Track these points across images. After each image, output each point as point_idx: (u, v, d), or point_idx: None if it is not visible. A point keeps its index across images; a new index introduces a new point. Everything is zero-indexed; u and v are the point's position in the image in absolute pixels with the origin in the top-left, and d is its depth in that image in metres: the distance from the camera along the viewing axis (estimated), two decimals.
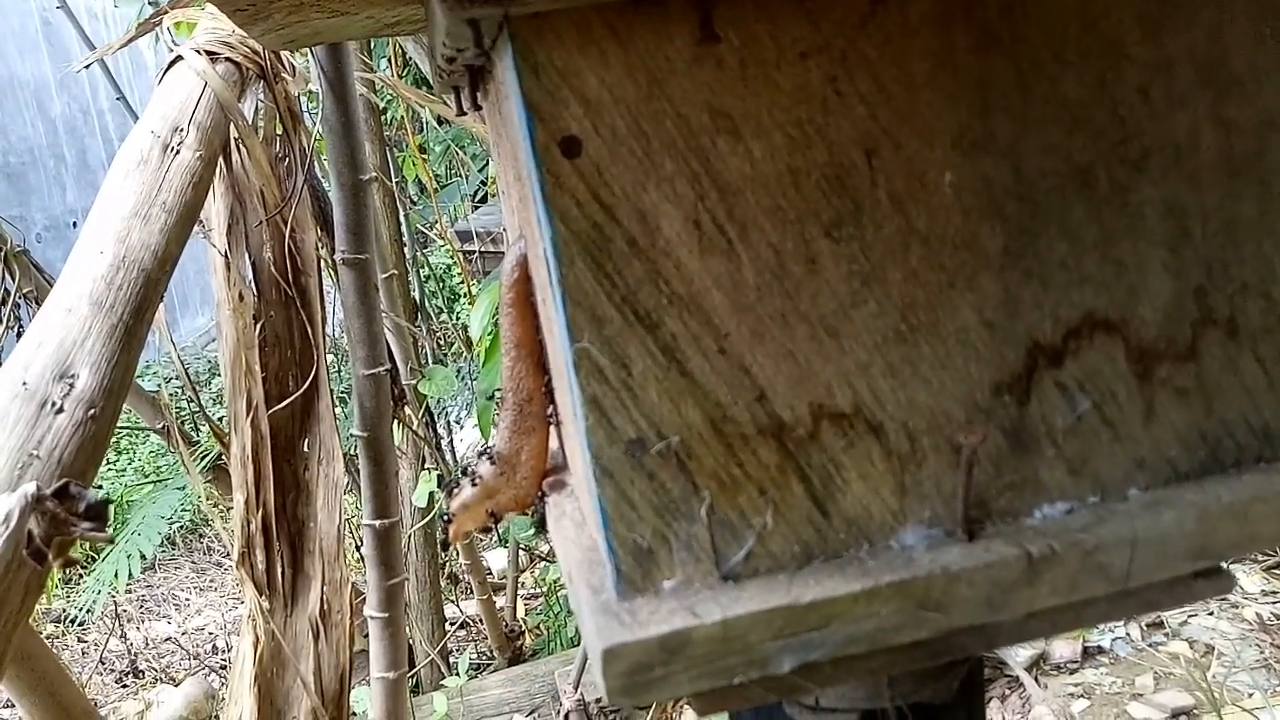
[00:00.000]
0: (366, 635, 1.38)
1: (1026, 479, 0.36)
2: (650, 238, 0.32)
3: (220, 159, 0.85)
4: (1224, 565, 0.37)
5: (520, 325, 0.45)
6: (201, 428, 2.87)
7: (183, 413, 3.26)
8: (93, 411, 0.49)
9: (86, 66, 1.09)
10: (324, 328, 1.02)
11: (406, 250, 2.25)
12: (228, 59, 0.86)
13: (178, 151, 0.72)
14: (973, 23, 0.32)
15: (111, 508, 0.39)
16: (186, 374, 1.14)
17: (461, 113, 0.54)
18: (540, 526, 0.48)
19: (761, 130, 0.32)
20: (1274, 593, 1.90)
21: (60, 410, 0.48)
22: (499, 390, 0.48)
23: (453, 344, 3.06)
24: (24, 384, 0.49)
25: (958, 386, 0.35)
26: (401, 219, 2.15)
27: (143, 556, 2.47)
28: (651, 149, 0.32)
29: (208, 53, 0.84)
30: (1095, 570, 0.35)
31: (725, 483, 0.34)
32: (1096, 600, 0.36)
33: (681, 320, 0.33)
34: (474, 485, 0.48)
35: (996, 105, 0.33)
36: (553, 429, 0.47)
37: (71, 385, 0.49)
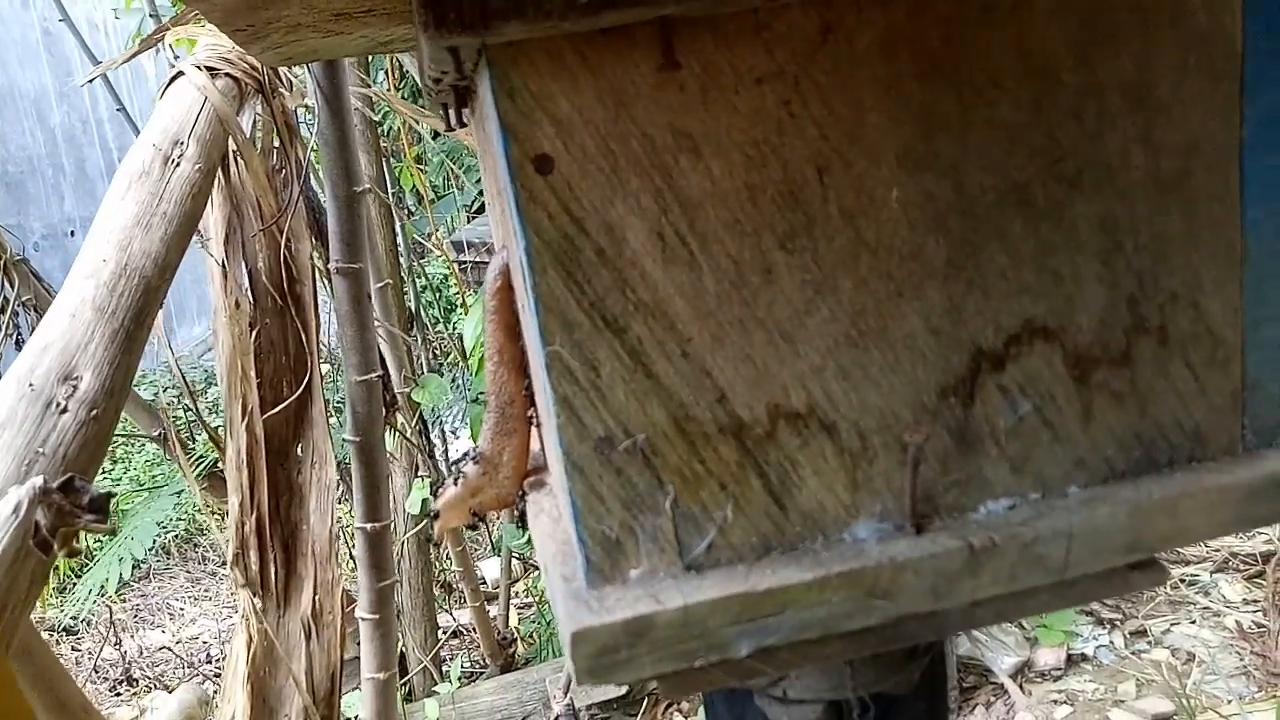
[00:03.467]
0: (359, 643, 1.40)
1: (972, 476, 0.38)
2: (617, 248, 0.35)
3: (219, 171, 0.88)
4: (1157, 557, 0.39)
5: (502, 331, 0.47)
6: (198, 436, 2.88)
7: (179, 421, 3.28)
8: (95, 412, 0.51)
9: (90, 81, 1.11)
10: (318, 335, 1.05)
11: (402, 260, 2.28)
12: (227, 74, 0.88)
13: (178, 164, 0.75)
14: (916, 51, 0.35)
15: (113, 501, 0.41)
16: (184, 381, 1.16)
17: (450, 128, 0.57)
18: (521, 523, 0.51)
19: (721, 149, 0.34)
20: (1255, 601, 1.92)
21: (64, 410, 0.50)
22: (483, 394, 0.50)
23: (448, 353, 3.08)
24: (30, 385, 0.51)
25: (906, 389, 0.37)
26: (398, 229, 2.18)
27: (135, 562, 2.49)
28: (618, 166, 0.34)
29: (208, 68, 0.87)
30: (1033, 561, 0.37)
31: (688, 478, 0.37)
32: (1037, 590, 0.38)
33: (647, 325, 0.35)
34: (458, 484, 0.50)
35: (939, 127, 0.35)
36: (534, 430, 0.49)
37: (75, 387, 0.51)
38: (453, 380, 2.54)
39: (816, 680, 0.47)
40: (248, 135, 0.93)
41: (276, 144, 1.01)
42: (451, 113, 0.51)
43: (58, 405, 0.50)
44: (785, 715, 0.47)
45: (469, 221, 3.35)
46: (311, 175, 1.12)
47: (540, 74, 0.33)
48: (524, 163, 0.33)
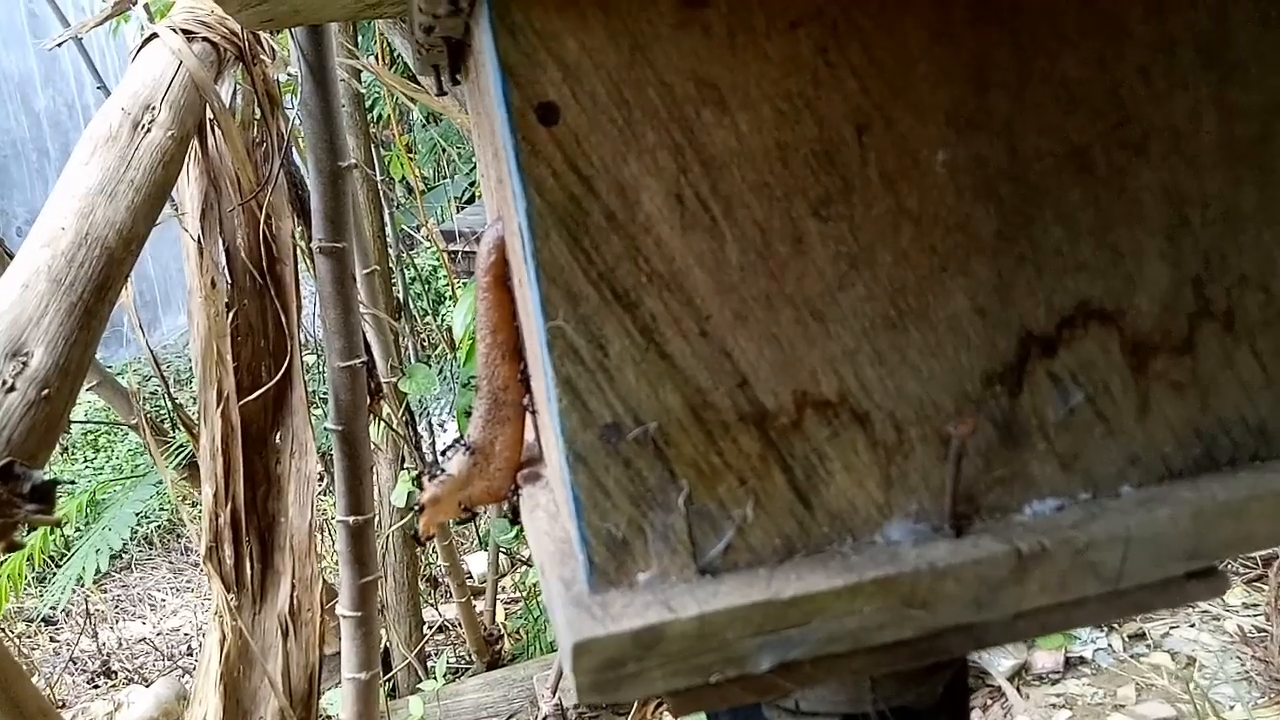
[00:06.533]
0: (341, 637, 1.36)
1: (1017, 473, 0.35)
2: (630, 212, 0.31)
3: (194, 141, 0.83)
4: (1218, 566, 0.36)
5: (496, 310, 0.44)
6: (179, 426, 2.83)
7: (161, 411, 3.23)
8: (46, 391, 0.47)
9: (60, 44, 1.06)
10: (299, 318, 1.01)
11: (390, 249, 2.23)
12: (205, 39, 0.84)
13: (148, 129, 0.70)
14: None
15: (58, 489, 0.37)
16: (157, 366, 1.12)
17: (441, 92, 0.53)
18: (513, 518, 0.47)
19: (749, 102, 0.31)
20: (1255, 605, 1.90)
21: (11, 389, 0.46)
22: (475, 379, 0.46)
23: (436, 346, 3.03)
24: None
25: (947, 375, 0.34)
26: (386, 215, 2.13)
27: (113, 553, 2.43)
28: (633, 119, 0.30)
29: (184, 31, 0.82)
30: (1086, 569, 0.33)
31: (704, 472, 0.33)
32: (1087, 600, 0.35)
33: (661, 300, 0.31)
34: (446, 476, 0.47)
35: (993, 82, 0.32)
36: (528, 419, 0.46)
37: (25, 364, 0.47)
38: (441, 372, 2.50)
39: (833, 692, 0.43)
40: (226, 104, 0.88)
41: (257, 115, 0.96)
42: (444, 72, 0.47)
43: (4, 383, 0.46)
44: None
45: (459, 212, 3.30)
46: (294, 149, 1.07)
47: (546, 11, 0.29)
48: (526, 111, 0.29)
